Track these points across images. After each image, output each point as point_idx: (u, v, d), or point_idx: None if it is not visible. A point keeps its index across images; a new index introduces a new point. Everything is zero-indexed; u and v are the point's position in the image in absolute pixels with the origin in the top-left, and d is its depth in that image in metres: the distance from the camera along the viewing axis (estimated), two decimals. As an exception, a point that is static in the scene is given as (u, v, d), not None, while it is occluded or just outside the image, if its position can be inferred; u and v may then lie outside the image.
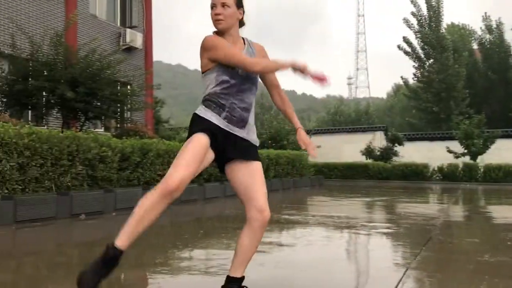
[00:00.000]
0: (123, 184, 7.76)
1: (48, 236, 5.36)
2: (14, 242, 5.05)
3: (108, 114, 10.02)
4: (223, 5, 2.49)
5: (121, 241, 2.29)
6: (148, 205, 2.31)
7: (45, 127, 10.97)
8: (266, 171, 12.65)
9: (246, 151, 2.58)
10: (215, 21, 2.51)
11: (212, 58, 2.50)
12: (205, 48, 2.49)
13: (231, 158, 2.58)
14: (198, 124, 2.52)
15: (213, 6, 2.51)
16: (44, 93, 9.40)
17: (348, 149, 23.94)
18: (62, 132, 6.85)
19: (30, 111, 10.45)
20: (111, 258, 2.30)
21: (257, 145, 2.67)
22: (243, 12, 2.62)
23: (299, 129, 2.71)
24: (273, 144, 22.02)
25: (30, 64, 9.71)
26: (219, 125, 2.51)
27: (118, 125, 11.38)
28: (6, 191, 5.79)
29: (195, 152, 2.41)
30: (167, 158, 8.48)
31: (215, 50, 2.46)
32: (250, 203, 2.52)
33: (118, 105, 10.32)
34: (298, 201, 10.78)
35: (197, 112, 2.58)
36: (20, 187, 6.01)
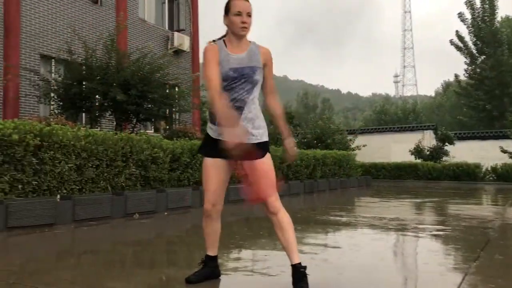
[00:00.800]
0: (173, 184, 7.93)
1: (104, 235, 5.55)
2: (73, 240, 5.27)
3: (158, 116, 10.28)
4: (249, 14, 2.72)
5: (209, 250, 3.06)
6: (203, 225, 3.04)
7: (99, 129, 11.39)
8: (312, 171, 12.59)
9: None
10: (241, 28, 2.73)
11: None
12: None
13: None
14: (202, 143, 3.00)
15: (239, 14, 2.70)
16: (97, 96, 9.74)
17: (396, 148, 23.45)
18: (116, 134, 7.08)
19: (84, 114, 10.86)
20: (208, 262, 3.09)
21: (262, 139, 2.80)
22: None
23: (288, 138, 2.95)
24: (319, 144, 21.85)
25: (84, 68, 10.09)
26: (213, 136, 2.83)
27: (168, 127, 11.64)
28: (64, 191, 6.06)
29: (209, 176, 2.88)
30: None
31: (205, 64, 2.74)
32: None
33: (167, 106, 10.58)
34: (345, 202, 10.66)
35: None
36: (78, 187, 6.28)
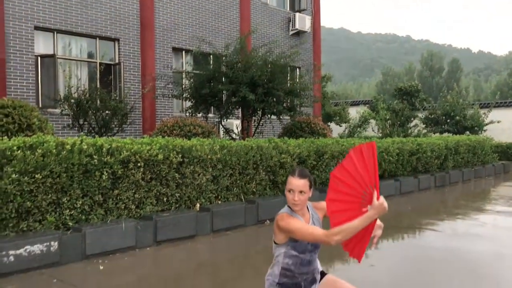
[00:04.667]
0: (300, 185, 8.05)
1: (240, 243, 5.88)
2: (213, 250, 5.68)
3: (282, 111, 10.43)
4: (301, 192, 2.66)
5: None
6: None
7: (226, 120, 11.91)
8: (444, 161, 11.89)
9: None
10: (292, 205, 2.69)
11: (288, 236, 2.67)
12: (281, 229, 2.65)
13: None
14: None
15: (290, 190, 2.67)
16: (225, 93, 10.16)
17: (538, 124, 21.06)
18: (244, 139, 7.32)
19: (213, 108, 11.41)
20: None
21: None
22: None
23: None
24: (448, 121, 20.44)
25: (211, 67, 10.54)
26: None
27: (291, 119, 11.76)
28: (203, 199, 6.50)
29: None
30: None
31: (292, 234, 2.60)
32: None
33: (291, 99, 10.69)
34: (480, 194, 9.93)
35: None
36: (214, 196, 6.69)
